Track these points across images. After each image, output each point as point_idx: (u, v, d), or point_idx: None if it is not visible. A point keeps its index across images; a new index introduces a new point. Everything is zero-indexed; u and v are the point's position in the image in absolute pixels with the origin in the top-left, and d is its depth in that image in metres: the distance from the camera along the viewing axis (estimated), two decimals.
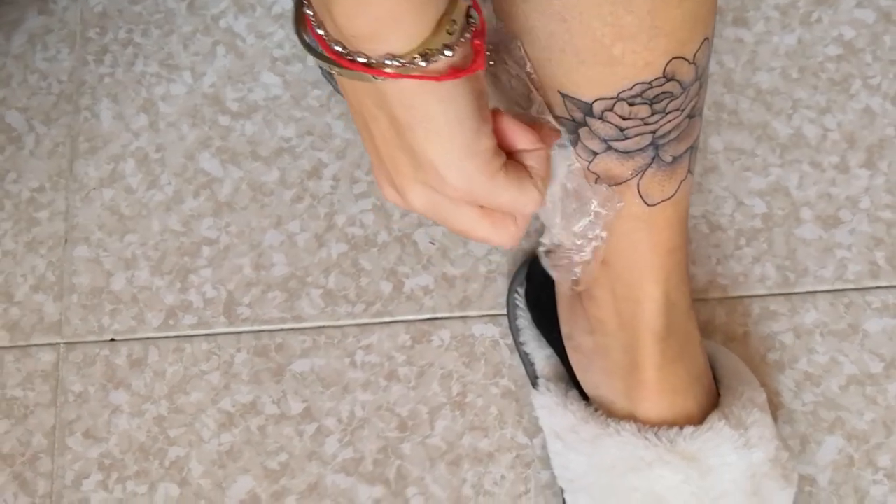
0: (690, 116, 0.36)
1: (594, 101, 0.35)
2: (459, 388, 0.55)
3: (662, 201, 0.38)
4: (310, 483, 0.53)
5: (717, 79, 0.60)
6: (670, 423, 0.41)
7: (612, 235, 0.39)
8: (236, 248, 0.58)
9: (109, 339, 0.57)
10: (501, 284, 0.57)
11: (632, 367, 0.42)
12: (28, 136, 0.62)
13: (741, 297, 0.55)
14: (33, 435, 0.55)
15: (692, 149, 0.38)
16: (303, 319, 0.57)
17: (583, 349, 0.44)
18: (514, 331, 0.53)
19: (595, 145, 0.36)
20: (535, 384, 0.50)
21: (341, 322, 0.57)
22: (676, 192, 0.38)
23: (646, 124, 0.35)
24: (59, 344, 0.57)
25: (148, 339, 0.57)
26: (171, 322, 0.57)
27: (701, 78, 0.36)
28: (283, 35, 0.62)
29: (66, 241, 0.59)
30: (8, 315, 0.58)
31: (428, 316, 0.56)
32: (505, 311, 0.55)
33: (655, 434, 0.41)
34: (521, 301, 0.53)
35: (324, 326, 0.57)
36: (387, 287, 0.57)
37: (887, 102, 0.59)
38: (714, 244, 0.56)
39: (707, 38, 0.34)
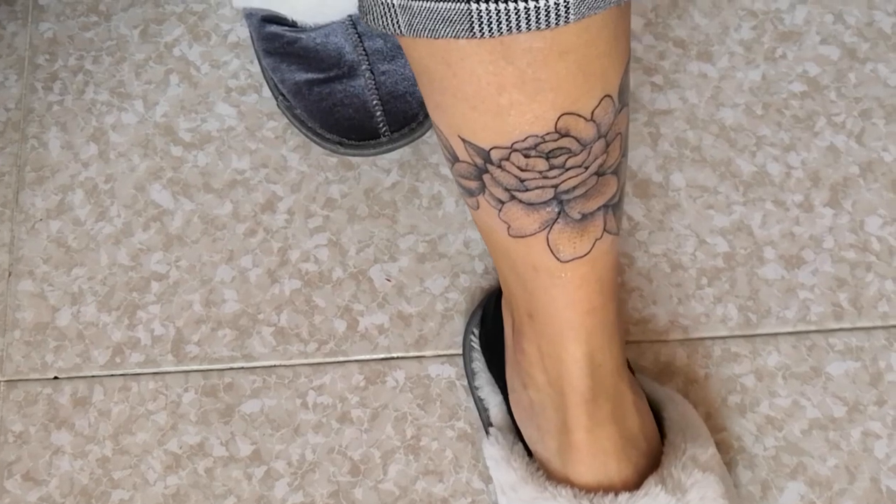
0: (599, 174, 0.35)
1: (491, 149, 0.34)
2: (414, 430, 0.53)
3: (575, 258, 0.37)
4: None
5: (680, 115, 0.59)
6: (606, 488, 0.40)
7: (531, 288, 0.38)
8: (186, 284, 0.57)
9: (53, 376, 0.55)
10: (459, 323, 0.55)
11: (562, 427, 0.41)
12: None
13: (702, 339, 0.54)
14: None
15: (609, 207, 0.37)
16: (253, 358, 0.55)
17: (522, 403, 0.43)
18: (469, 374, 0.52)
19: (500, 193, 0.35)
20: (487, 432, 0.48)
21: (293, 361, 0.55)
22: (591, 250, 0.37)
23: (545, 178, 0.34)
24: None
25: (93, 377, 0.55)
26: (117, 360, 0.55)
27: (607, 136, 0.34)
28: (239, 64, 0.61)
29: (9, 273, 0.57)
30: None
31: (382, 356, 0.55)
32: (461, 352, 0.54)
33: (590, 501, 0.40)
34: (476, 343, 0.51)
35: (275, 366, 0.55)
36: (340, 325, 0.55)
37: (852, 140, 0.58)
38: (675, 283, 0.55)
39: (608, 96, 0.33)
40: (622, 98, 0.34)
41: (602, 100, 0.33)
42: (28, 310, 0.57)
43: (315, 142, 0.57)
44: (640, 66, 0.60)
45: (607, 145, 0.34)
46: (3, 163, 0.60)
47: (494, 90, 0.31)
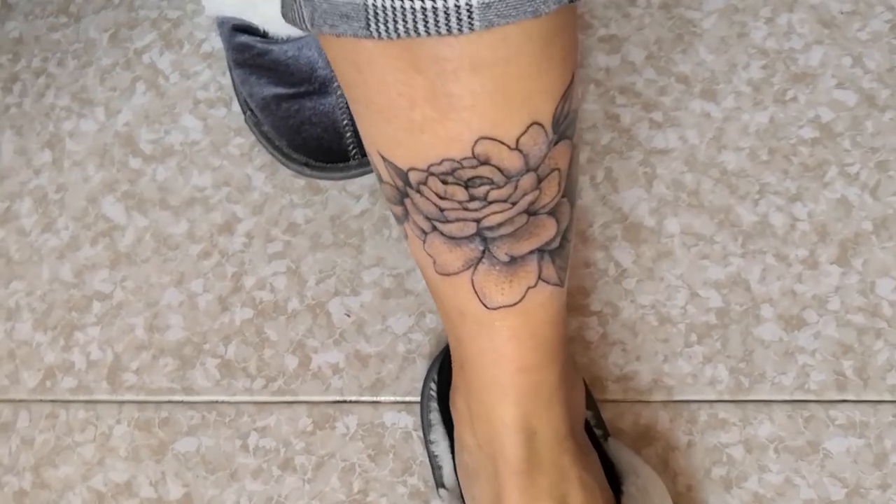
0: (530, 213, 0.30)
1: (408, 170, 0.29)
2: (361, 484, 0.48)
3: (503, 307, 0.32)
4: None
5: (678, 155, 0.54)
6: None
7: (459, 335, 0.33)
8: (130, 306, 0.52)
9: None
10: (420, 368, 0.50)
11: (496, 499, 0.36)
12: None
13: (687, 402, 0.49)
14: None
15: (545, 253, 0.32)
16: (194, 392, 0.50)
17: (461, 465, 0.38)
18: (426, 426, 0.47)
19: (421, 222, 0.31)
20: (438, 492, 0.43)
21: (236, 398, 0.50)
22: (523, 299, 0.32)
23: (465, 209, 0.29)
24: None
25: (20, 401, 0.51)
26: (48, 384, 0.51)
27: (538, 170, 0.30)
28: (210, 76, 0.57)
29: None
30: None
31: (334, 398, 0.50)
32: (420, 399, 0.49)
33: None
34: (434, 391, 0.46)
35: (217, 402, 0.50)
36: (292, 362, 0.51)
37: (865, 194, 0.53)
38: (662, 339, 0.50)
39: (537, 124, 0.28)
40: (562, 129, 0.30)
41: (529, 127, 0.28)
42: None
43: (281, 161, 0.53)
44: (639, 100, 0.55)
45: (539, 181, 0.30)
46: None
47: (406, 103, 0.27)
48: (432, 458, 0.46)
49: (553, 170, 0.30)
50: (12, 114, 0.57)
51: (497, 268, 0.31)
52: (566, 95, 0.29)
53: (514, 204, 0.30)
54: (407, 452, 0.48)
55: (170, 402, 0.50)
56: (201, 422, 0.50)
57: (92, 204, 0.55)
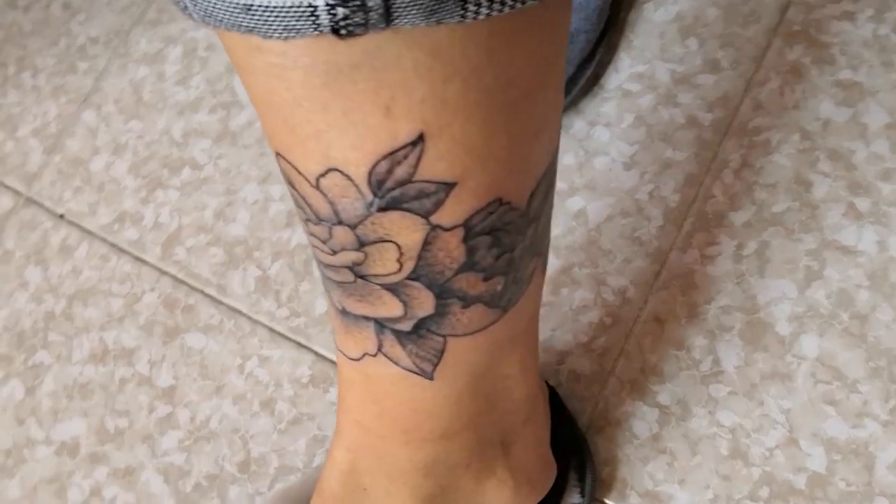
0: (360, 276, 0.23)
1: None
2: (323, 459, 0.43)
3: (343, 354, 0.27)
4: (128, 466, 0.45)
5: (864, 263, 0.40)
6: None
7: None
8: (213, 185, 0.51)
9: (60, 214, 0.53)
10: None
11: None
12: None
13: None
14: None
15: (388, 330, 0.25)
16: (225, 293, 0.48)
17: None
18: None
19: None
20: None
21: (257, 317, 0.47)
22: (360, 360, 0.26)
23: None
24: (21, 195, 0.54)
25: (88, 232, 0.52)
26: (115, 227, 0.51)
27: (356, 229, 0.22)
28: None
29: (84, 100, 0.55)
30: (2, 147, 0.55)
31: None
32: None
33: None
34: None
35: (239, 311, 0.47)
36: (321, 307, 0.46)
37: None
38: (723, 475, 0.39)
39: (338, 171, 0.21)
40: (396, 197, 0.22)
41: (329, 171, 0.21)
42: (77, 140, 0.54)
43: None
44: (848, 176, 0.42)
45: (361, 244, 0.23)
46: None
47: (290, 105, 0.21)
48: None
49: (383, 240, 0.22)
50: None
51: (337, 310, 0.26)
52: (400, 157, 0.21)
53: (333, 252, 0.23)
54: None
55: (201, 292, 0.48)
56: (217, 325, 0.47)
57: (229, 74, 0.53)
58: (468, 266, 0.24)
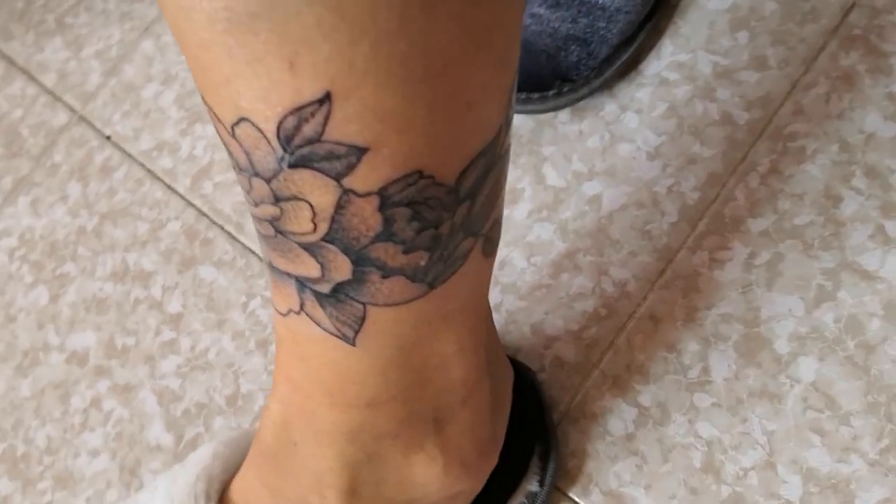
0: (279, 231, 0.23)
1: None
2: None
3: (274, 307, 0.27)
4: (128, 383, 0.47)
5: (885, 290, 0.38)
6: None
7: None
8: None
9: (107, 135, 0.55)
10: None
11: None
12: None
13: None
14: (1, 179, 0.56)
15: (309, 290, 0.25)
16: (242, 232, 0.49)
17: None
18: None
19: None
20: None
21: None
22: (286, 315, 0.26)
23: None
24: (76, 113, 0.56)
25: (128, 155, 0.53)
26: (154, 154, 0.53)
27: (270, 183, 0.22)
28: None
29: (146, 29, 0.57)
30: (66, 65, 0.58)
31: None
32: None
33: None
34: None
35: (252, 251, 0.48)
36: None
37: None
38: (691, 487, 0.37)
39: (248, 121, 0.21)
40: (305, 155, 0.21)
41: (240, 121, 0.21)
42: (134, 66, 0.56)
43: None
44: (883, 197, 0.39)
45: (276, 199, 0.22)
46: None
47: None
48: None
49: (297, 198, 0.22)
50: None
51: (266, 263, 0.26)
52: (307, 114, 0.20)
53: (256, 204, 0.23)
54: None
55: (221, 227, 0.49)
56: (229, 261, 0.48)
57: None
58: (385, 236, 0.23)
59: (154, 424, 0.46)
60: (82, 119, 0.56)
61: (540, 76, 0.43)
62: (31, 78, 0.58)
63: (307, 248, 0.24)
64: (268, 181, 0.22)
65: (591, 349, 0.40)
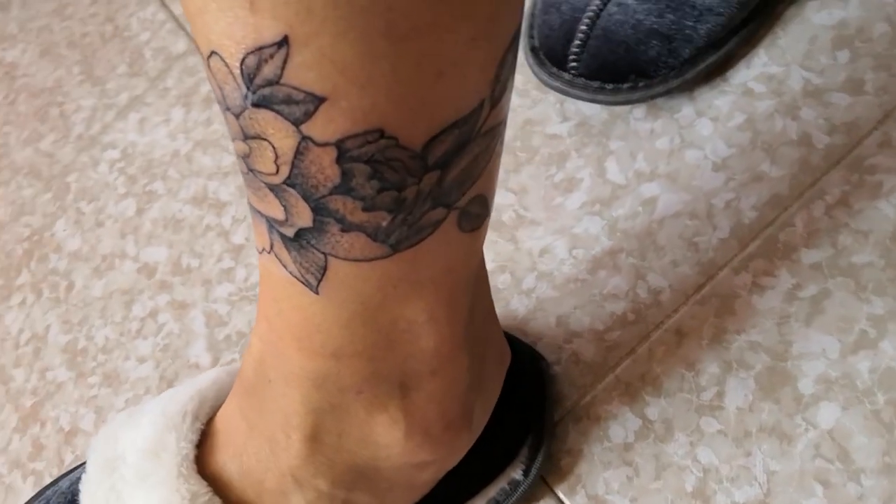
0: (251, 169, 0.24)
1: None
2: None
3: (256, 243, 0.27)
4: (183, 300, 0.50)
5: None
6: None
7: None
8: None
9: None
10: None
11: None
12: None
13: None
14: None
15: (276, 231, 0.25)
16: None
17: None
18: None
19: None
20: None
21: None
22: (262, 252, 0.27)
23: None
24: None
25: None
26: None
27: (239, 118, 0.23)
28: None
29: None
30: None
31: None
32: None
33: None
34: None
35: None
36: None
37: None
38: (659, 487, 0.36)
39: (217, 55, 0.22)
40: (265, 96, 0.22)
41: (212, 54, 0.22)
42: None
43: None
44: None
45: (244, 135, 0.23)
46: None
47: None
48: None
49: (260, 138, 0.23)
50: None
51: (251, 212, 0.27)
52: (266, 55, 0.21)
53: (233, 139, 0.24)
54: None
55: None
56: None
57: None
58: (343, 189, 0.24)
59: (197, 343, 0.48)
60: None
61: (616, 66, 0.41)
62: (164, 4, 0.62)
63: (272, 189, 0.24)
64: (237, 117, 0.23)
65: (610, 351, 0.39)
